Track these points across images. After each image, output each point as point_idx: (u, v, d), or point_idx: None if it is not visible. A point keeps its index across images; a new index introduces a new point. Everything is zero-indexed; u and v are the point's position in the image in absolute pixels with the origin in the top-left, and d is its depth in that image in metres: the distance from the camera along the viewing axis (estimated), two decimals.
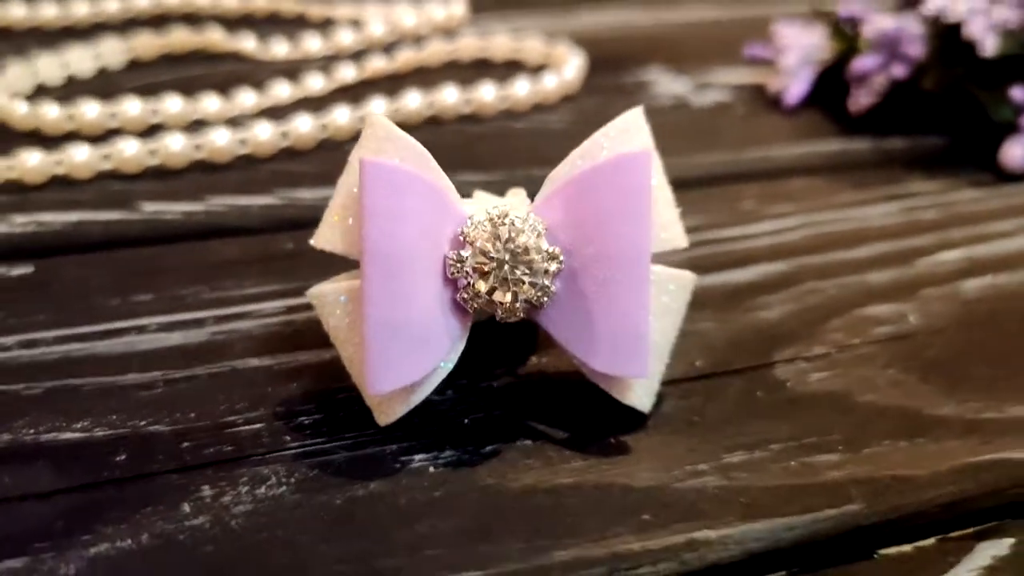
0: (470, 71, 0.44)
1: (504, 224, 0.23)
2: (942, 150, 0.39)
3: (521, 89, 0.41)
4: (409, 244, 0.23)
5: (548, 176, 0.24)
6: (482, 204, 0.25)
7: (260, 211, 0.34)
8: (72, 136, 0.37)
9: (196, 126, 0.38)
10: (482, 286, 0.23)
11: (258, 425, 0.24)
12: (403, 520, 0.22)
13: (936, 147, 0.40)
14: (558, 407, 0.25)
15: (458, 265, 0.23)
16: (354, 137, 0.24)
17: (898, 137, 0.40)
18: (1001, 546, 0.22)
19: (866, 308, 0.30)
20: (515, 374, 0.26)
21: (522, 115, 0.41)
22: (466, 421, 0.25)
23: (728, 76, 0.45)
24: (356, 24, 0.48)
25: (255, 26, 0.48)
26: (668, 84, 0.45)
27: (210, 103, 0.39)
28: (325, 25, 0.49)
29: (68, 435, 0.24)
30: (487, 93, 0.41)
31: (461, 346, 0.24)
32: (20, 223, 0.32)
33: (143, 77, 0.43)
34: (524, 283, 0.23)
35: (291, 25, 0.49)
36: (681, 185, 0.27)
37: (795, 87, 0.42)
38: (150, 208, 0.34)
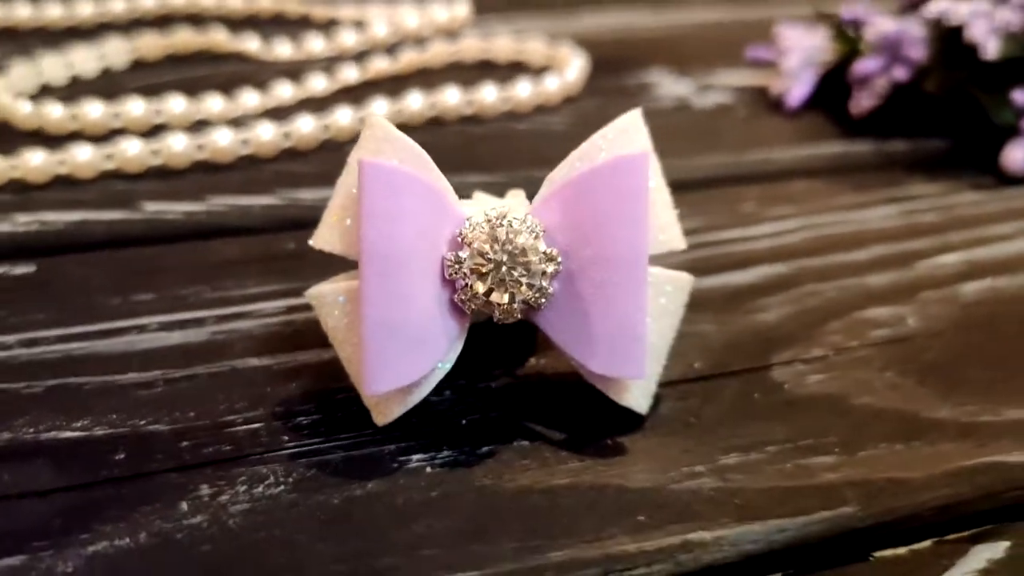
0: (472, 72, 0.45)
1: (502, 225, 0.23)
2: (943, 153, 0.39)
3: (523, 90, 0.42)
4: (407, 245, 0.23)
5: (546, 178, 0.24)
6: (481, 205, 0.25)
7: (262, 211, 0.34)
8: (75, 136, 0.37)
9: (199, 126, 0.38)
10: (480, 287, 0.23)
11: (257, 425, 0.24)
12: (400, 520, 0.22)
13: (937, 150, 0.40)
14: (555, 408, 0.25)
15: (456, 266, 0.23)
16: (356, 138, 0.24)
17: (899, 140, 0.40)
18: (996, 549, 0.23)
19: (865, 311, 0.30)
20: (513, 375, 0.27)
21: (524, 116, 0.42)
22: (463, 422, 0.25)
23: (730, 78, 0.46)
24: (359, 25, 0.48)
25: (259, 27, 0.48)
26: (670, 86, 0.45)
27: (213, 103, 0.39)
28: (328, 26, 0.49)
29: (68, 434, 0.24)
30: (489, 94, 0.41)
31: (459, 347, 0.24)
32: (23, 222, 0.32)
33: (147, 77, 0.43)
34: (521, 284, 0.23)
35: (295, 26, 0.49)
36: (682, 187, 0.27)
37: (797, 89, 0.42)
38: (152, 208, 0.34)
